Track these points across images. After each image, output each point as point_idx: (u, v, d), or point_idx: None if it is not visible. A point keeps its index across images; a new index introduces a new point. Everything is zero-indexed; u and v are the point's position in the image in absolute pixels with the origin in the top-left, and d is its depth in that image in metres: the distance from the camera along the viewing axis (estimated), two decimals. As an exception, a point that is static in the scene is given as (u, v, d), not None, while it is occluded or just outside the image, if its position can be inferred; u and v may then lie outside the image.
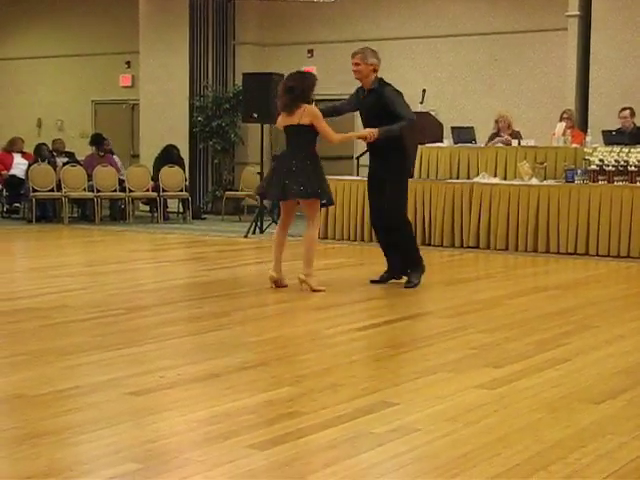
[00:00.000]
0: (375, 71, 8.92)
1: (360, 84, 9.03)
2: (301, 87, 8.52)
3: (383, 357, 5.90)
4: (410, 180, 12.99)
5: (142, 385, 5.04)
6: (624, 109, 13.70)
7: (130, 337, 6.41)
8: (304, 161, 8.50)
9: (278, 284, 8.65)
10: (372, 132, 8.66)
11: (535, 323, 7.12)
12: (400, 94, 8.89)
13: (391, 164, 8.90)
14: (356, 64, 8.88)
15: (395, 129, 8.75)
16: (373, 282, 9.05)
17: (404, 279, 8.96)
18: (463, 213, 12.65)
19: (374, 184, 9.03)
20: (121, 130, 20.70)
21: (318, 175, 8.56)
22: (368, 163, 9.15)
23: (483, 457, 3.91)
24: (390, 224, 8.96)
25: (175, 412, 4.54)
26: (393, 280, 9.03)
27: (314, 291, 8.45)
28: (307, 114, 8.47)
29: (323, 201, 8.68)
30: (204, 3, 18.54)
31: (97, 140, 17.85)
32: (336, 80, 17.69)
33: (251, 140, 18.34)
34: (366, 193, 13.41)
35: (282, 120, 8.65)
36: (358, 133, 9.16)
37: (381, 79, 8.98)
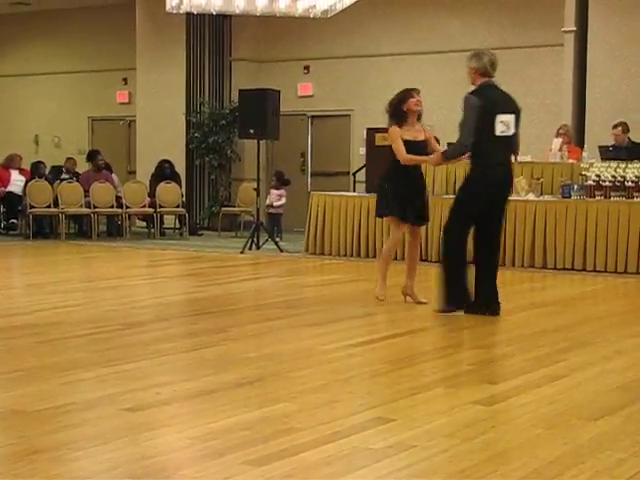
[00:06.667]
0: (479, 75, 8.22)
1: None
2: (388, 108, 8.75)
3: (380, 373, 5.88)
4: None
5: (139, 401, 5.03)
6: (617, 125, 13.68)
7: (127, 353, 6.40)
8: (383, 181, 8.75)
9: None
10: (435, 159, 8.52)
11: (532, 339, 7.11)
12: (472, 108, 7.98)
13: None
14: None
15: (449, 154, 8.41)
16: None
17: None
18: (460, 229, 12.62)
19: None
20: (118, 146, 20.73)
21: (386, 196, 8.63)
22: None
23: (480, 474, 3.89)
24: None
25: (171, 428, 4.53)
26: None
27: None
28: (388, 136, 8.72)
29: (391, 216, 8.74)
30: (200, 20, 18.57)
31: (92, 156, 17.89)
32: (332, 96, 17.78)
33: (247, 156, 18.37)
34: (363, 209, 13.42)
35: None
36: (426, 158, 8.62)
37: (482, 85, 8.15)
